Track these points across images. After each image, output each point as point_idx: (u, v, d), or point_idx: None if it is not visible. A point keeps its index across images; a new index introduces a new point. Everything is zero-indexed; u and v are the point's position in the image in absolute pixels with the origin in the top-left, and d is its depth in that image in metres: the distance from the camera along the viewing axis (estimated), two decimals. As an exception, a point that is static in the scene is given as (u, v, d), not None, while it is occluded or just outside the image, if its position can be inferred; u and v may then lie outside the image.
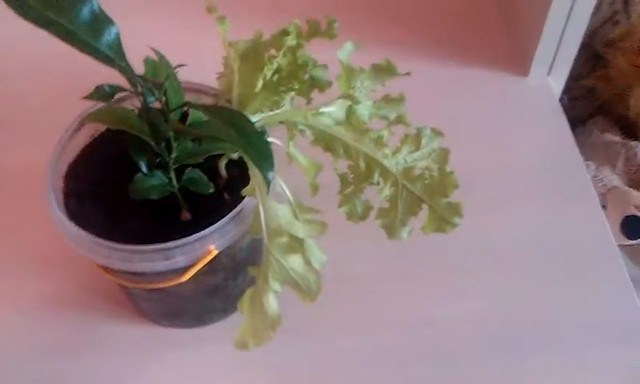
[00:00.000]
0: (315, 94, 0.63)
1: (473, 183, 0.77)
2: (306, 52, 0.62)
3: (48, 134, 0.59)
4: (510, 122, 0.84)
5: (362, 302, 0.69)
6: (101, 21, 0.45)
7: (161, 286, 0.54)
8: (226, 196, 0.56)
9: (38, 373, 0.64)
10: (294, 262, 0.52)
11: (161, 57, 0.52)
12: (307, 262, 0.57)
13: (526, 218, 0.75)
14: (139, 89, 0.49)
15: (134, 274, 0.53)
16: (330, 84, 0.64)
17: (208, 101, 0.61)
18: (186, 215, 0.55)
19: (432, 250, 0.71)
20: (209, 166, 0.56)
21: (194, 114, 0.54)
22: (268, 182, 0.44)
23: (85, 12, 0.44)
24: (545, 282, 0.70)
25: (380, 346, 0.66)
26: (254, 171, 0.51)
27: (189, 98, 0.62)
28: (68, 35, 0.43)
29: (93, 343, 0.65)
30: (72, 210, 0.55)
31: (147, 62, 0.54)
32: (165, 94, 0.49)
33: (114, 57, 0.45)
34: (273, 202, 0.51)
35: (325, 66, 0.64)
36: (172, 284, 0.53)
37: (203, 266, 0.53)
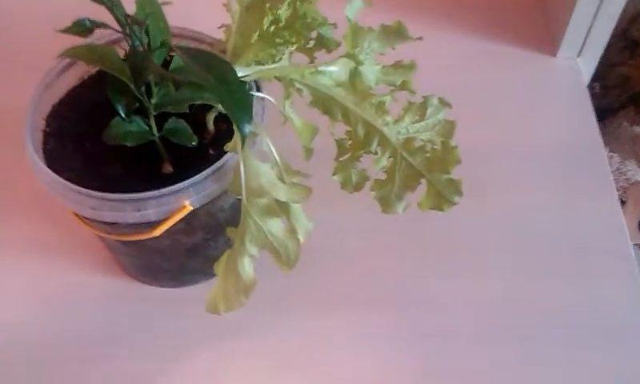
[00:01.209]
0: (321, 55, 0.59)
1: (483, 161, 0.73)
2: (315, 8, 0.59)
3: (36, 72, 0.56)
4: (531, 102, 0.79)
5: (354, 276, 0.66)
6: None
7: (133, 238, 0.52)
8: (212, 151, 0.53)
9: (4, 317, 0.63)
10: (274, 226, 0.48)
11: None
12: (291, 229, 0.55)
13: (537, 203, 0.71)
14: (127, 29, 0.46)
15: (107, 223, 0.51)
16: (338, 44, 0.60)
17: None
18: (168, 168, 0.52)
19: (431, 228, 0.68)
20: (196, 119, 0.53)
21: (178, 59, 0.51)
22: (244, 136, 0.41)
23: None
24: (547, 273, 0.66)
25: (369, 324, 0.63)
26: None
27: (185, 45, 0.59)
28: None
29: (67, 291, 0.63)
30: (50, 152, 0.53)
31: (140, 2, 0.50)
32: (147, 34, 0.45)
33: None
34: (255, 160, 0.48)
35: (334, 25, 0.60)
36: (144, 237, 0.50)
37: (179, 223, 0.50)
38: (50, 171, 0.50)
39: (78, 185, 0.50)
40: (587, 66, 0.83)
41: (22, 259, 0.66)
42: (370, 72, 0.59)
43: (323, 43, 0.62)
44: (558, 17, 0.82)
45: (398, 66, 0.61)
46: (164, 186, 0.48)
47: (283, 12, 0.54)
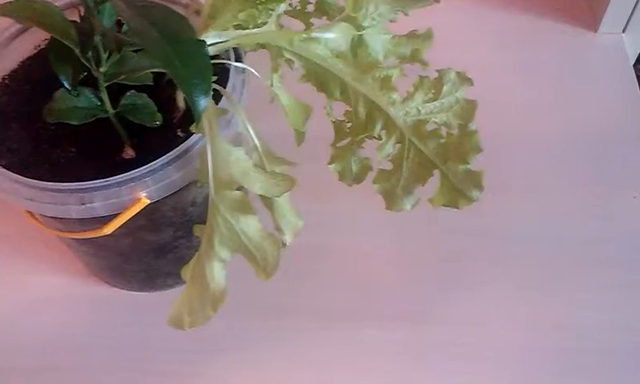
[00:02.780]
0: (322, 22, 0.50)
1: (509, 152, 0.64)
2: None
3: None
4: (568, 84, 0.70)
5: (351, 282, 0.57)
6: None
7: (81, 236, 0.43)
8: (181, 133, 0.44)
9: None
10: (248, 224, 0.39)
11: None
12: (276, 227, 0.46)
13: (572, 203, 0.61)
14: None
15: (52, 218, 0.42)
16: (342, 10, 0.52)
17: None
18: (129, 152, 0.44)
19: (445, 228, 0.58)
20: (165, 94, 0.44)
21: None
22: (197, 112, 0.32)
23: None
24: (580, 287, 0.56)
25: (367, 339, 0.54)
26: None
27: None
28: None
29: (22, 294, 0.56)
30: (-8, 132, 0.45)
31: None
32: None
33: None
34: (225, 144, 0.39)
35: None
36: (92, 236, 0.42)
37: (138, 219, 0.41)
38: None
39: (19, 171, 0.41)
40: (634, 43, 0.73)
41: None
42: (377, 42, 0.51)
43: (324, 9, 0.53)
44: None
45: (411, 35, 0.52)
46: (118, 173, 0.40)
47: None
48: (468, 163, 0.46)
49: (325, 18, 0.53)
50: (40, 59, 0.49)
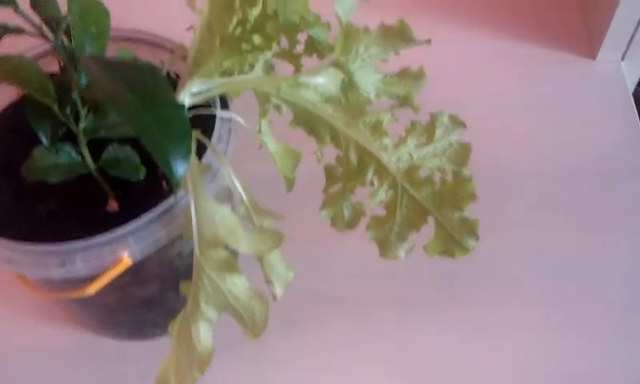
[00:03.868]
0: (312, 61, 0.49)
1: (507, 184, 0.62)
2: (305, 4, 0.49)
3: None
4: (567, 113, 0.68)
5: (349, 330, 0.55)
6: None
7: (62, 296, 0.42)
8: (165, 185, 0.43)
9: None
10: (235, 284, 0.38)
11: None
12: (266, 280, 0.44)
13: (574, 238, 0.59)
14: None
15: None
16: (331, 48, 0.51)
17: (161, 57, 0.47)
18: (113, 205, 0.42)
19: (442, 271, 0.56)
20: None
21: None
22: (176, 180, 0.30)
23: None
24: (585, 332, 0.54)
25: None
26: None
27: (143, 53, 0.49)
28: None
29: (11, 341, 0.54)
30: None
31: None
32: (69, 39, 0.35)
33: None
34: (210, 202, 0.37)
35: (327, 25, 0.51)
36: (75, 296, 0.40)
37: (124, 275, 0.40)
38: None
39: (1, 223, 0.40)
40: (632, 71, 0.72)
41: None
42: (368, 82, 0.49)
43: (314, 47, 0.52)
44: (598, 12, 0.70)
45: (403, 74, 0.51)
46: (100, 230, 0.38)
47: (254, 9, 0.43)
48: (463, 211, 0.44)
49: (315, 55, 0.52)
50: (23, 106, 0.48)
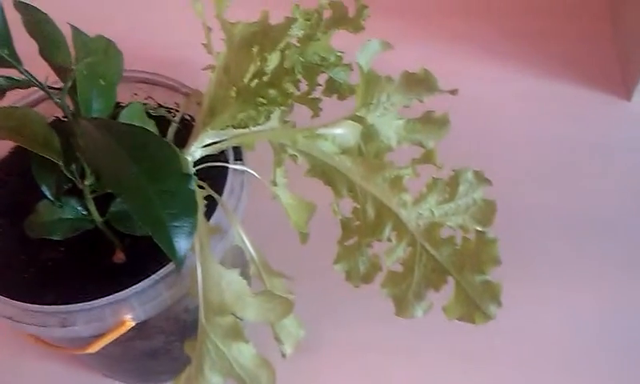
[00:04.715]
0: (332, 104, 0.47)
1: (534, 234, 0.59)
2: (327, 44, 0.48)
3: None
4: (600, 156, 0.65)
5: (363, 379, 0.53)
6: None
7: (63, 352, 0.40)
8: (175, 237, 0.41)
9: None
10: (241, 352, 0.36)
11: (78, 34, 0.37)
12: (276, 338, 0.42)
13: (607, 294, 0.56)
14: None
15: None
16: (352, 90, 0.49)
17: (175, 100, 0.46)
18: (120, 256, 0.41)
19: (464, 325, 0.54)
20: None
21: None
22: (179, 260, 0.29)
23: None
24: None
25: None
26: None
27: (158, 95, 0.48)
28: None
29: (20, 377, 0.53)
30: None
31: (78, 39, 0.38)
32: (75, 92, 0.34)
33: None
34: (217, 266, 0.36)
35: (348, 66, 0.49)
36: (76, 353, 0.39)
37: (129, 332, 0.38)
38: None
39: (2, 277, 0.39)
40: (669, 112, 0.68)
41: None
42: (390, 129, 0.47)
43: (334, 88, 0.51)
44: (634, 52, 0.67)
45: (426, 120, 0.48)
46: (106, 283, 0.37)
47: (273, 59, 0.42)
48: (485, 274, 0.42)
49: (335, 96, 0.51)
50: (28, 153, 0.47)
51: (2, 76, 0.35)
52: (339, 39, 0.46)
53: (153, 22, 0.65)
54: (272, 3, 0.46)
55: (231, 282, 0.36)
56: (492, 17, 0.75)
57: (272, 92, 0.39)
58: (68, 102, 0.35)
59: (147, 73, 0.47)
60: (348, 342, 0.55)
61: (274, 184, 0.44)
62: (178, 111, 0.47)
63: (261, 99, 0.40)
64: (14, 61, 0.32)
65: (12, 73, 0.35)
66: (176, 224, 0.28)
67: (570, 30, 0.74)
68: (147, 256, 0.39)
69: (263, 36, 0.43)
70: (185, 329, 0.44)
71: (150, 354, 0.45)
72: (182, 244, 0.29)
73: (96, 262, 0.41)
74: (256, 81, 0.40)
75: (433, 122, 0.48)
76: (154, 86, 0.47)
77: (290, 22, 0.44)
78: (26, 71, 0.34)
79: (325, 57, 0.49)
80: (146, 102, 0.47)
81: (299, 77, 0.41)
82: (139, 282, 0.37)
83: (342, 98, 0.51)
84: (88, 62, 0.34)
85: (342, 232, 0.45)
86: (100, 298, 0.36)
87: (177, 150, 0.32)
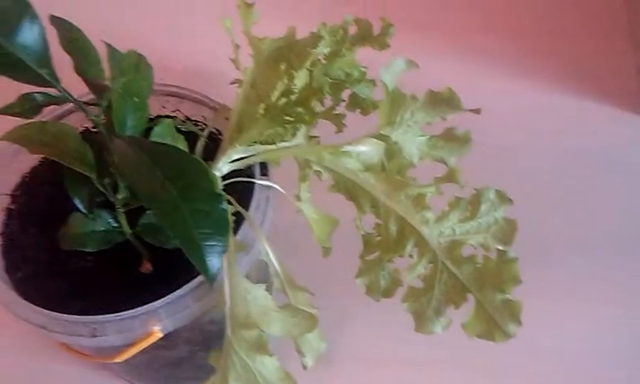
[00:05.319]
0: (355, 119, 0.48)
1: (550, 254, 0.59)
2: (352, 60, 0.48)
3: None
4: (621, 171, 0.65)
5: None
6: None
7: (91, 360, 0.41)
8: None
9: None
10: (265, 365, 0.37)
11: (113, 51, 0.38)
12: (298, 351, 0.43)
13: (629, 310, 0.56)
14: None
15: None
16: (375, 106, 0.49)
17: (203, 114, 0.46)
18: (147, 266, 0.42)
19: (482, 345, 0.54)
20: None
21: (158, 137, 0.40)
22: (211, 277, 0.30)
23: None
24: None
25: None
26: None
27: (186, 108, 0.49)
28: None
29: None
30: (9, 237, 0.44)
31: (113, 57, 0.39)
32: (109, 107, 0.35)
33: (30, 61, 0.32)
34: (244, 281, 0.37)
35: (372, 82, 0.50)
36: (104, 362, 0.40)
37: (154, 341, 0.39)
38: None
39: (34, 286, 0.40)
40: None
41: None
42: (412, 146, 0.48)
43: (357, 103, 0.51)
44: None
45: (449, 137, 0.49)
46: (134, 293, 0.38)
47: (300, 77, 0.43)
48: (505, 293, 0.43)
49: (358, 111, 0.51)
50: (43, 170, 0.48)
51: (39, 93, 0.36)
52: (362, 53, 0.47)
53: (181, 30, 0.66)
54: (299, 17, 0.47)
55: (257, 296, 0.37)
56: (513, 34, 0.76)
57: (299, 110, 0.40)
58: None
59: (175, 86, 0.48)
60: (368, 356, 0.56)
61: (299, 199, 0.45)
62: (205, 125, 0.48)
63: (288, 117, 0.41)
64: (52, 80, 0.33)
65: (49, 89, 0.36)
66: (209, 243, 0.29)
67: (589, 46, 0.74)
68: (175, 267, 0.40)
69: (289, 51, 0.44)
70: (209, 339, 0.45)
71: (175, 362, 0.46)
72: (214, 262, 0.30)
73: (124, 272, 0.42)
74: (284, 99, 0.41)
75: (455, 139, 0.49)
76: (182, 100, 0.48)
77: (316, 39, 0.45)
78: (64, 89, 0.35)
79: (349, 72, 0.49)
80: (174, 114, 0.48)
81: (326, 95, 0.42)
82: (168, 293, 0.38)
83: (365, 113, 0.51)
84: (124, 81, 0.35)
85: (364, 247, 0.46)
86: (130, 309, 0.37)
87: (208, 168, 0.33)
